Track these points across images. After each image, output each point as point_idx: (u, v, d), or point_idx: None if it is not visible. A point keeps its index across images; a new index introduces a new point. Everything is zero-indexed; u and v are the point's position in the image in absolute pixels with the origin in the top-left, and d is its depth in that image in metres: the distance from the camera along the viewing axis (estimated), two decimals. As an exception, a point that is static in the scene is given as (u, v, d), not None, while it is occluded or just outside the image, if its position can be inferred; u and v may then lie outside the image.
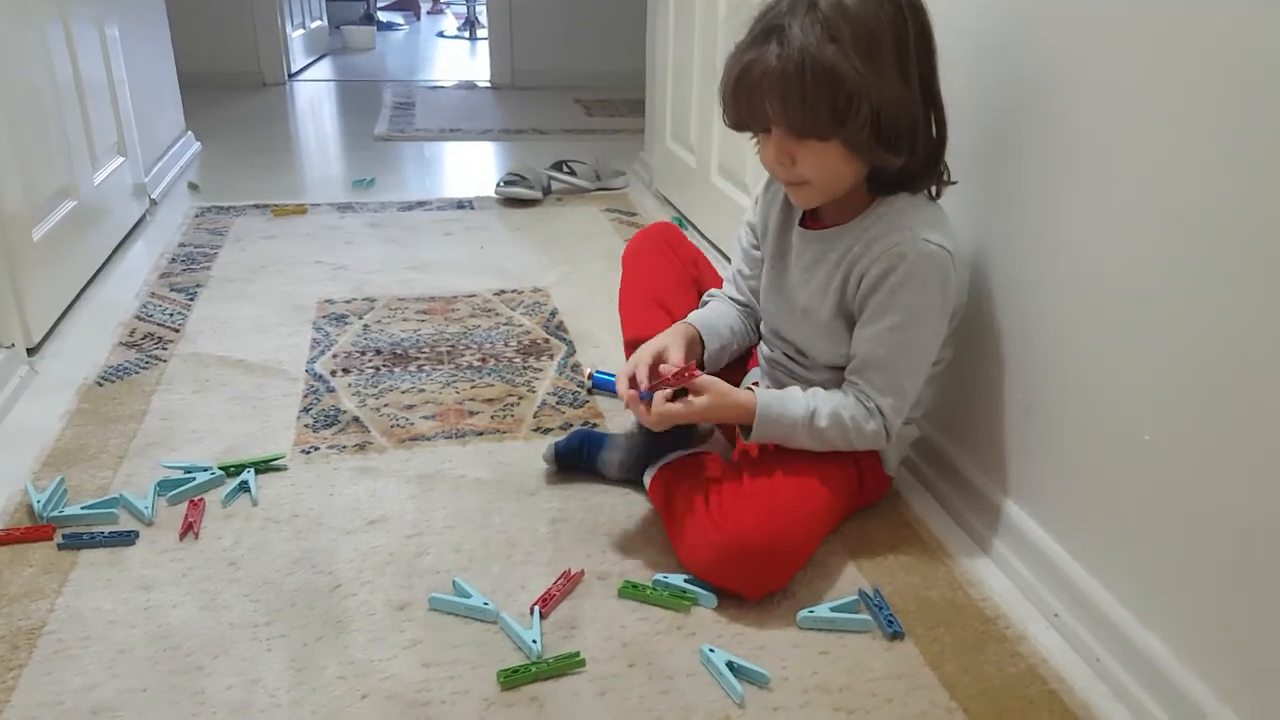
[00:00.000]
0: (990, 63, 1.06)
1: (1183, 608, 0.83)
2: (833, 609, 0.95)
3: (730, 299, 1.21)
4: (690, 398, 0.99)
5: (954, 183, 1.02)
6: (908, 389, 1.01)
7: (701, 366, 1.11)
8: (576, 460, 1.18)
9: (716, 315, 1.17)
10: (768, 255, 1.12)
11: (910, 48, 0.91)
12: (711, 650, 0.89)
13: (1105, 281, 0.89)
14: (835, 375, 1.05)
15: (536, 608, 0.94)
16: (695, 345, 1.11)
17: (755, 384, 1.16)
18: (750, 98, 0.92)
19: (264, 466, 1.18)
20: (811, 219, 1.07)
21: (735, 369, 1.21)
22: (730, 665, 0.87)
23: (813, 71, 0.87)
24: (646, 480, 1.13)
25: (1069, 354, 0.95)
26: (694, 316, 1.15)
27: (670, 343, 1.06)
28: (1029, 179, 1.00)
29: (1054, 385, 0.98)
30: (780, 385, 1.12)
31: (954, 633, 0.94)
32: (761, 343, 1.19)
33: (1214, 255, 0.77)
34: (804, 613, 0.95)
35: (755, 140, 1.01)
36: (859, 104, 0.88)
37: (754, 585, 0.97)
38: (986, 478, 1.10)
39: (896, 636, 0.93)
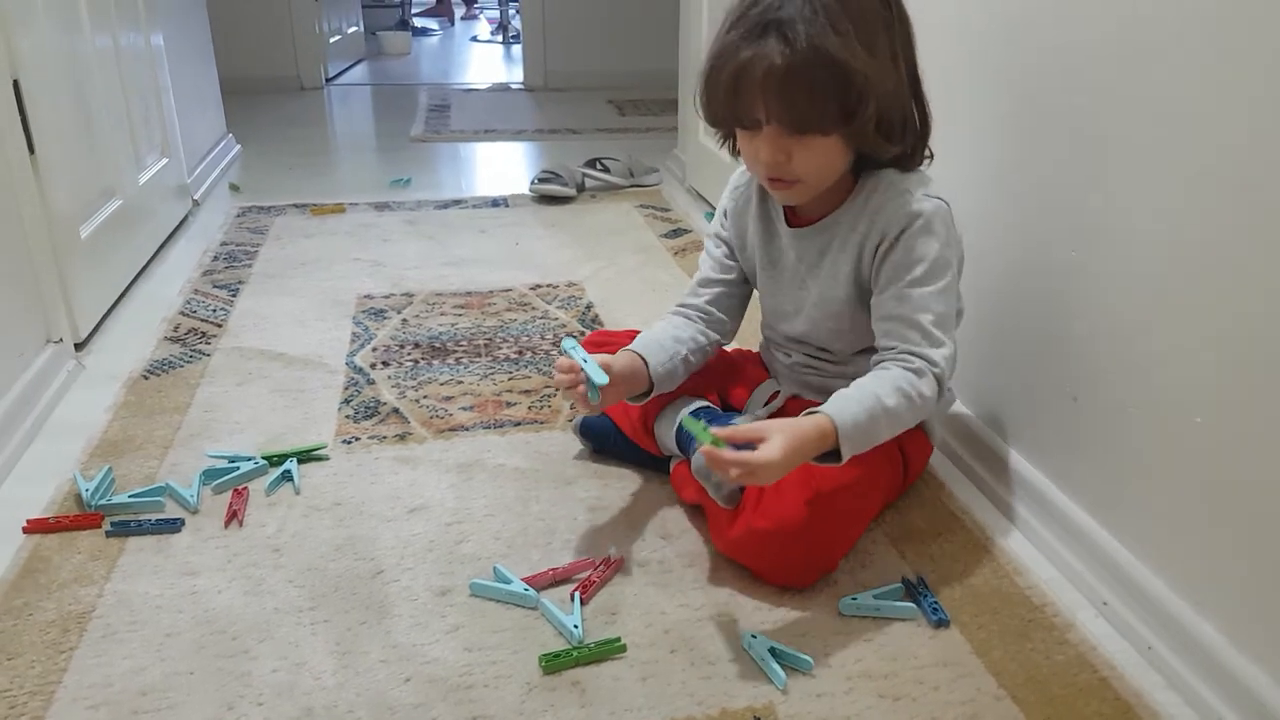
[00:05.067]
0: (1026, 40, 1.04)
1: (1239, 593, 0.81)
2: (876, 596, 0.94)
3: (681, 309, 1.14)
4: (756, 451, 0.84)
5: (931, 157, 1.01)
6: (944, 336, 0.96)
7: (651, 388, 1.05)
8: (605, 440, 1.18)
9: (660, 331, 1.09)
10: (759, 265, 1.09)
11: (896, 34, 0.91)
12: (754, 636, 0.88)
13: (1153, 263, 0.87)
14: (866, 362, 1.03)
15: (577, 594, 0.94)
16: (639, 371, 1.03)
17: (776, 393, 1.13)
18: (748, 96, 0.89)
19: (306, 456, 1.19)
20: (795, 217, 1.04)
21: (744, 384, 1.17)
22: (773, 651, 0.86)
23: (823, 67, 0.85)
24: (672, 468, 1.11)
25: (1116, 339, 0.93)
26: (637, 341, 1.07)
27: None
28: (1071, 161, 0.98)
29: (1101, 371, 0.96)
30: (811, 388, 1.10)
31: (1000, 620, 0.92)
32: (778, 352, 1.15)
33: (1265, 231, 0.75)
34: (847, 600, 0.94)
35: (723, 139, 0.99)
36: (867, 99, 0.87)
37: (802, 572, 0.96)
38: (1032, 466, 1.08)
39: (942, 624, 0.92)
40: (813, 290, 1.05)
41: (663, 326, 1.11)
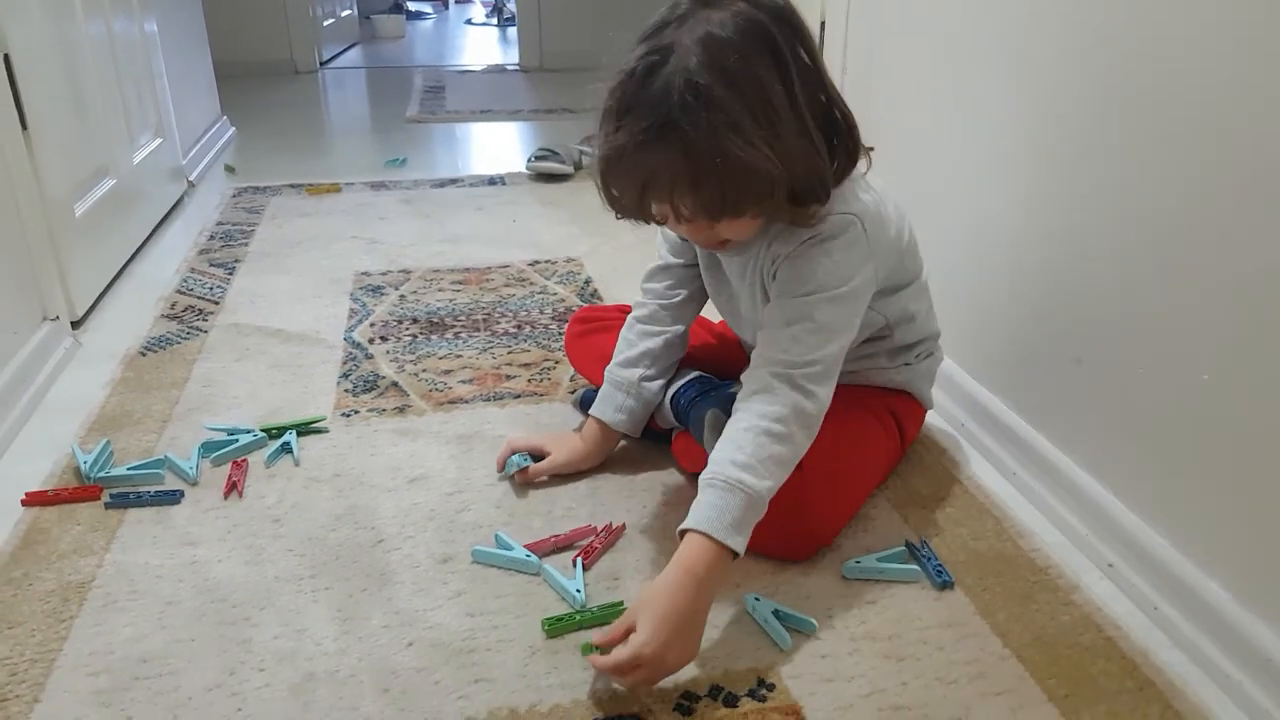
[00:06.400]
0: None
1: (1245, 551, 0.80)
2: (879, 559, 0.94)
3: (638, 310, 1.13)
4: (628, 644, 0.77)
5: (872, 149, 0.91)
6: (819, 342, 0.88)
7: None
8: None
9: (609, 373, 1.11)
10: (703, 265, 1.07)
11: (797, 89, 0.82)
12: (757, 599, 0.88)
13: (1158, 222, 0.87)
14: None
15: (579, 559, 0.93)
16: (599, 440, 1.09)
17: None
18: (657, 199, 0.84)
19: (305, 429, 1.19)
20: None
21: (736, 358, 1.15)
22: (776, 613, 0.86)
23: (727, 172, 0.79)
24: (673, 439, 1.11)
25: (1121, 299, 0.92)
26: (597, 405, 1.10)
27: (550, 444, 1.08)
28: (1075, 124, 0.97)
29: (1106, 331, 0.95)
30: None
31: (1004, 583, 0.92)
32: (750, 351, 1.14)
33: (1270, 187, 0.74)
34: (850, 563, 0.93)
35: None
36: (774, 187, 0.81)
37: (799, 547, 0.95)
38: (1035, 430, 1.08)
39: (946, 586, 0.91)
40: (742, 308, 1.03)
41: (612, 366, 1.12)
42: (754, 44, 0.81)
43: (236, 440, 1.14)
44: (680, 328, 1.12)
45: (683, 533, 0.83)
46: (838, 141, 0.88)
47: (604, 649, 0.78)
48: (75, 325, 1.50)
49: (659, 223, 0.89)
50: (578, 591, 0.88)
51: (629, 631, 0.78)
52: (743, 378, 0.92)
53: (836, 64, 1.50)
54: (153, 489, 1.06)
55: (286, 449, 1.14)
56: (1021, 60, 1.06)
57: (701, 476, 0.85)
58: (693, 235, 0.92)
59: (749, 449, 0.84)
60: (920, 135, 1.29)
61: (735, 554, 0.82)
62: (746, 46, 0.80)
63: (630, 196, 0.85)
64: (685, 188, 0.81)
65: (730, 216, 0.85)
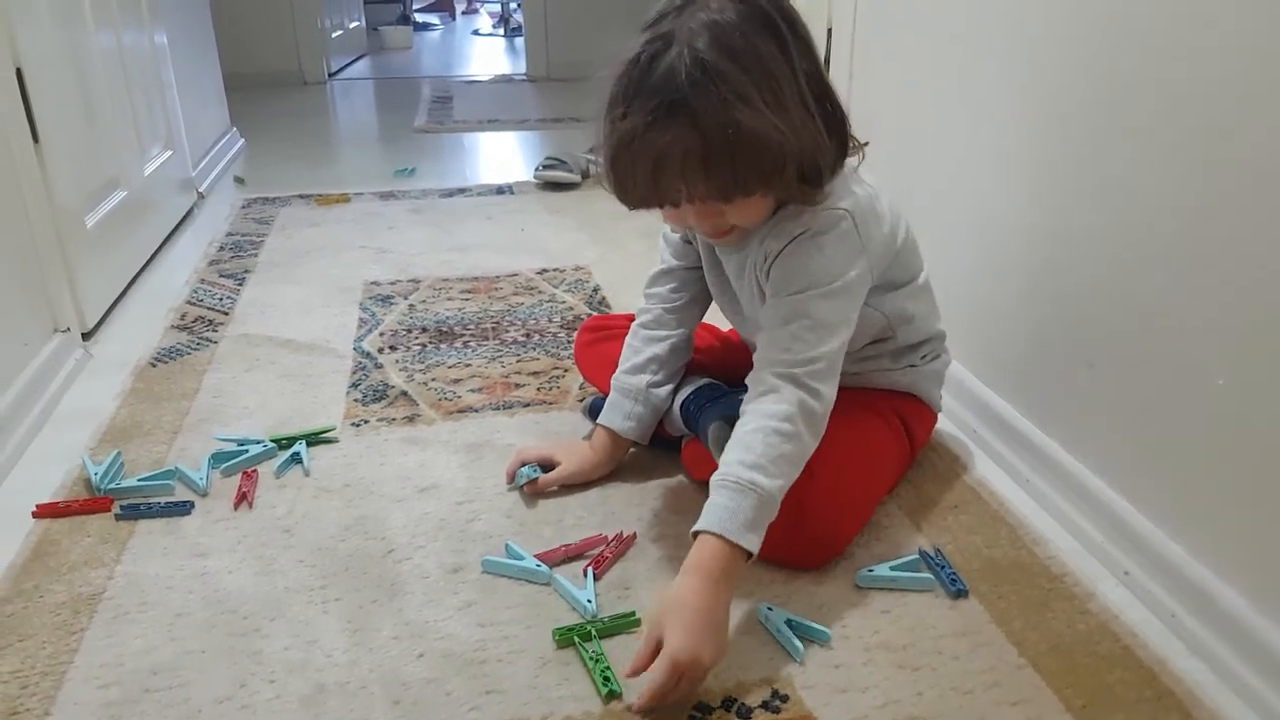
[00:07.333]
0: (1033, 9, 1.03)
1: (1262, 557, 0.79)
2: (893, 568, 0.93)
3: (641, 316, 1.13)
4: (663, 654, 0.76)
5: (866, 144, 0.93)
6: (818, 339, 0.88)
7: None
8: None
9: (616, 380, 1.10)
10: (706, 265, 1.07)
11: (799, 71, 0.83)
12: (770, 609, 0.87)
13: (1172, 225, 0.86)
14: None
15: (589, 569, 0.93)
16: (608, 449, 1.09)
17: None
18: (667, 180, 0.83)
19: (315, 439, 1.19)
20: None
21: (742, 363, 1.12)
22: (789, 623, 0.85)
23: (740, 144, 0.79)
24: (683, 447, 1.11)
25: (1134, 302, 0.92)
26: (605, 413, 1.10)
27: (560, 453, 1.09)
28: (1088, 126, 0.96)
29: (1118, 336, 0.94)
30: None
31: (1020, 591, 0.91)
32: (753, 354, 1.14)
33: (1274, 188, 0.73)
34: (863, 572, 0.92)
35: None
36: (785, 160, 0.82)
37: (810, 555, 0.95)
38: (1048, 436, 1.07)
39: (960, 595, 0.90)
40: (745, 307, 1.03)
41: (619, 374, 1.11)
42: (756, 26, 0.82)
43: (246, 451, 1.14)
44: (685, 331, 1.11)
45: (695, 534, 0.83)
46: (831, 134, 0.88)
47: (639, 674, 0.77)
48: (86, 336, 1.51)
49: (674, 205, 0.88)
50: (589, 601, 0.88)
51: (658, 647, 0.77)
52: (747, 380, 0.91)
53: (844, 68, 1.50)
54: (163, 500, 1.06)
55: (296, 459, 1.14)
56: (1026, 61, 1.06)
57: (712, 478, 0.85)
58: (701, 223, 0.91)
59: (759, 449, 0.84)
60: (926, 137, 1.29)
61: (749, 554, 0.82)
62: (749, 28, 0.81)
63: (643, 180, 0.84)
64: (696, 165, 0.81)
65: (742, 195, 0.84)
